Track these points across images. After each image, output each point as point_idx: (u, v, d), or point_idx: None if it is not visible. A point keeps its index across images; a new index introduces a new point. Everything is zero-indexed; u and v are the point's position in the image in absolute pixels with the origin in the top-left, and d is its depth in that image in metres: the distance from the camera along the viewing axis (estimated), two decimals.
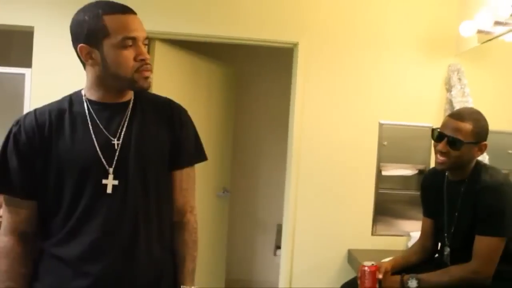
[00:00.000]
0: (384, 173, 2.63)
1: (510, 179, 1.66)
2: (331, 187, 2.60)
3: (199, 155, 1.35)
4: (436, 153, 1.67)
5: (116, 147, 1.18)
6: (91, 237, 1.14)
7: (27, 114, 1.23)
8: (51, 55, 2.48)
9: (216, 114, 3.15)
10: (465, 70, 2.51)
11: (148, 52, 2.51)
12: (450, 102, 2.53)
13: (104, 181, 1.15)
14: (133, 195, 1.18)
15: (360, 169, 2.61)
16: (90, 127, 1.18)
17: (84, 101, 1.22)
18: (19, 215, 1.17)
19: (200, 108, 2.90)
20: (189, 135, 1.32)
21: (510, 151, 2.21)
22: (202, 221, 3.08)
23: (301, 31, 2.57)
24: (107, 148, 1.17)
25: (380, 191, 2.62)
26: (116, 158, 1.17)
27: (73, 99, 1.25)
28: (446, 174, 1.77)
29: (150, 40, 2.57)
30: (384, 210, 2.63)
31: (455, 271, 1.64)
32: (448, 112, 2.51)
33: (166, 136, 1.26)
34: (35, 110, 1.23)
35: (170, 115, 1.29)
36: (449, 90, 2.56)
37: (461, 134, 1.58)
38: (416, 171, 2.64)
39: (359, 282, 1.75)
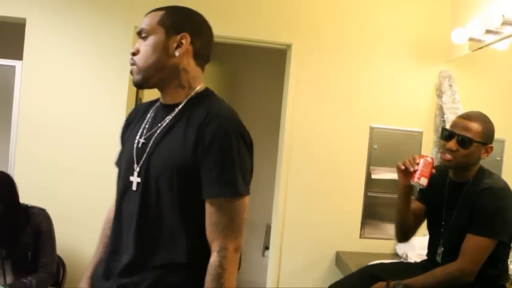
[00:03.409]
0: (373, 176, 2.64)
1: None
2: (321, 189, 2.61)
3: (220, 189, 1.07)
4: (444, 152, 1.70)
5: (141, 146, 1.17)
6: None
7: None
8: (43, 48, 2.46)
9: None
10: (456, 77, 2.54)
11: None
12: (440, 108, 2.55)
13: (130, 177, 1.16)
14: (139, 196, 1.16)
15: (350, 171, 2.63)
16: (142, 126, 1.20)
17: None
18: None
19: None
20: (214, 160, 1.08)
21: (498, 158, 2.24)
22: None
23: (294, 33, 2.58)
24: (139, 146, 1.17)
25: (369, 194, 2.64)
26: (143, 158, 1.15)
27: None
28: (449, 174, 1.79)
29: None
30: (373, 213, 2.65)
31: (439, 272, 1.65)
32: (439, 118, 2.55)
33: (184, 152, 1.10)
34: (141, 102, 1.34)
35: (198, 128, 1.09)
36: (439, 96, 2.58)
37: (471, 133, 1.63)
38: None
39: (415, 168, 1.65)
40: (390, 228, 2.66)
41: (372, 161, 2.64)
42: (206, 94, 1.21)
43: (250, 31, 2.56)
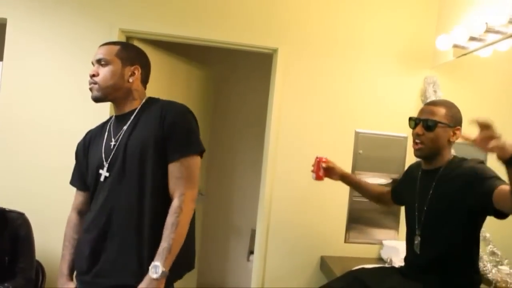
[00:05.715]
0: None
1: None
2: (306, 194, 2.60)
3: (185, 149, 1.45)
4: (413, 140, 1.73)
5: (112, 147, 1.50)
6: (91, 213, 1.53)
7: None
8: (24, 49, 2.41)
9: None
10: (441, 83, 2.56)
11: None
12: None
13: (100, 171, 1.50)
14: (116, 184, 1.46)
15: None
16: (105, 136, 1.55)
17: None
18: (77, 198, 1.69)
19: None
20: (176, 132, 1.46)
21: None
22: None
23: (281, 38, 2.58)
24: (107, 148, 1.51)
25: (354, 199, 2.64)
26: (111, 155, 1.49)
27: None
28: (421, 166, 1.80)
29: (128, 39, 2.54)
30: (358, 218, 2.65)
31: None
32: None
33: (152, 135, 1.45)
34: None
35: (159, 116, 1.47)
36: (424, 101, 2.60)
37: (436, 116, 1.67)
38: (390, 180, 2.67)
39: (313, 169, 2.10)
40: (375, 233, 2.67)
41: (358, 166, 2.64)
42: (153, 99, 1.59)
43: (236, 35, 2.55)
